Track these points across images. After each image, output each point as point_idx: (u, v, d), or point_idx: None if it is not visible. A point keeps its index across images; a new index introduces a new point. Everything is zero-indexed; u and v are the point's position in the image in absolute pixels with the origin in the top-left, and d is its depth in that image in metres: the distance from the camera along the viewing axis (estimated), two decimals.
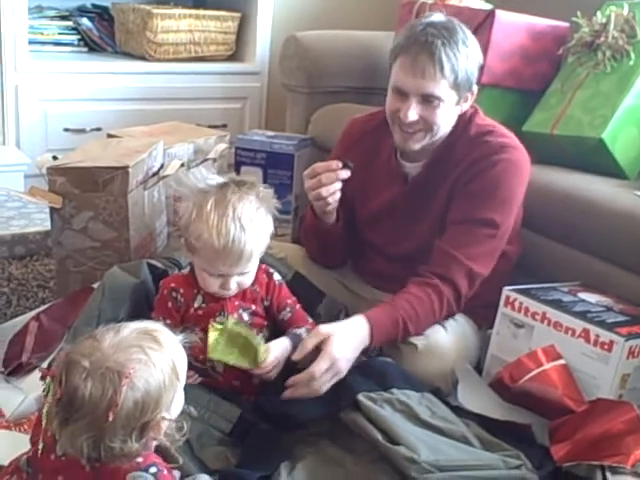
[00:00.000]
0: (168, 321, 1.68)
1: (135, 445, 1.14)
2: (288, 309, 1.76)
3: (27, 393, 1.72)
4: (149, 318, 1.75)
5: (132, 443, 1.14)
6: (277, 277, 1.78)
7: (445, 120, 1.85)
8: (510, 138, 1.91)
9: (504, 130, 1.93)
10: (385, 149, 2.00)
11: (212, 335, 1.64)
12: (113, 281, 1.84)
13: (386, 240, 2.00)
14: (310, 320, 1.78)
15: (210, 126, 3.08)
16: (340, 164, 1.85)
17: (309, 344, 1.65)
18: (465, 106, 1.89)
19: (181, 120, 2.88)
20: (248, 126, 3.46)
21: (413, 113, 1.81)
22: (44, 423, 1.18)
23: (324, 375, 1.63)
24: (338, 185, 1.85)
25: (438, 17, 1.86)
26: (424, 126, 1.84)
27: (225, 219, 1.60)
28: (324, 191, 1.85)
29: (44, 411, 1.18)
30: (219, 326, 1.65)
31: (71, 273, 2.14)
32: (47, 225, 2.39)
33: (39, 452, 1.23)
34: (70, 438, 1.14)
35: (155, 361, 1.17)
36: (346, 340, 1.67)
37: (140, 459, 1.17)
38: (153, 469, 1.16)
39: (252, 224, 1.62)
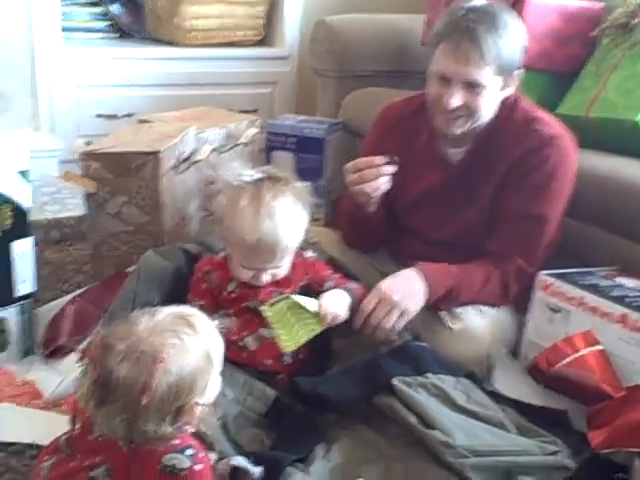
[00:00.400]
0: (203, 302, 1.70)
1: (169, 429, 1.15)
2: (330, 279, 1.77)
3: (65, 375, 1.74)
4: (183, 302, 1.76)
5: (165, 427, 1.15)
6: (310, 254, 1.80)
7: (488, 106, 1.83)
8: (559, 126, 1.89)
9: (549, 116, 1.91)
10: (423, 134, 1.97)
11: (278, 332, 1.62)
12: (148, 265, 1.86)
13: (426, 225, 1.98)
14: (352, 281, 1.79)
15: (241, 111, 3.07)
16: (384, 159, 1.82)
17: (370, 302, 1.69)
18: (509, 90, 1.86)
19: (212, 105, 2.88)
20: (278, 111, 3.45)
21: (456, 99, 1.79)
22: (81, 404, 1.19)
23: (377, 311, 1.68)
24: (382, 180, 1.83)
25: (479, 1, 1.82)
26: (466, 112, 1.82)
27: (259, 216, 1.61)
28: (367, 187, 1.83)
29: (81, 392, 1.19)
30: (274, 319, 1.63)
31: (106, 257, 2.16)
32: (81, 210, 2.40)
33: (78, 433, 1.25)
34: (105, 419, 1.15)
35: (189, 346, 1.18)
36: (395, 278, 1.74)
37: (177, 441, 1.18)
38: (189, 451, 1.17)
39: (287, 221, 1.63)
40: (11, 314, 1.89)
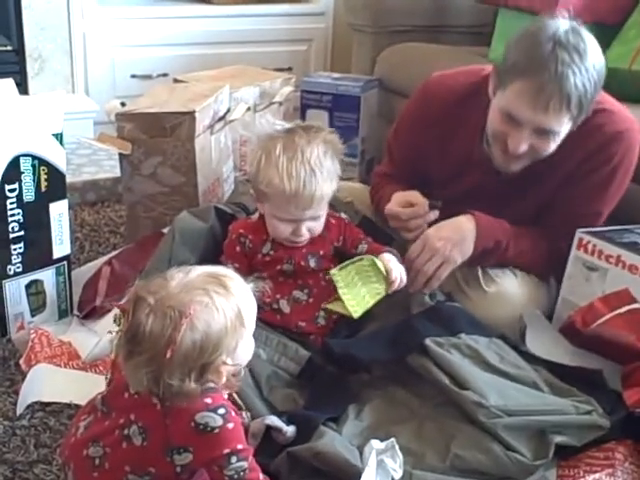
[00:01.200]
0: (237, 265, 1.70)
1: (192, 385, 1.16)
2: (364, 242, 1.76)
3: (101, 335, 1.76)
4: (218, 262, 1.77)
5: (190, 383, 1.16)
6: (344, 215, 1.80)
7: (555, 145, 1.68)
8: (624, 117, 1.76)
9: (613, 104, 1.77)
10: (469, 128, 1.81)
11: (345, 297, 1.61)
12: (183, 226, 1.86)
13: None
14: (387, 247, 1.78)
15: (275, 69, 3.05)
16: (427, 206, 1.74)
17: (415, 248, 1.70)
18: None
19: (246, 64, 2.86)
20: (313, 68, 3.42)
21: (525, 145, 1.65)
22: (113, 356, 1.21)
23: (421, 257, 1.70)
24: (425, 226, 1.76)
25: (564, 25, 1.60)
26: (532, 154, 1.69)
27: (295, 162, 1.60)
28: (411, 235, 1.77)
29: (114, 344, 1.22)
30: (342, 283, 1.61)
31: (141, 218, 2.17)
32: (117, 172, 2.42)
33: (113, 391, 1.27)
34: (133, 371, 1.17)
35: (219, 305, 1.19)
36: (444, 225, 1.72)
37: (209, 400, 1.19)
38: (222, 410, 1.19)
39: (321, 167, 1.62)
40: (48, 276, 1.92)
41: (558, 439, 1.43)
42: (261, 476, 1.23)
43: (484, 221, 1.75)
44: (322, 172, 1.61)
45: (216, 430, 1.17)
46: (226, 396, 1.26)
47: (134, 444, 1.20)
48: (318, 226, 1.70)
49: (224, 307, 1.19)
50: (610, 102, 1.77)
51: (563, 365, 1.64)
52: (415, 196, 1.77)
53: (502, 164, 1.74)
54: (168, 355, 1.13)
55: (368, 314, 1.78)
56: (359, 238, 1.77)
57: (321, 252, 1.72)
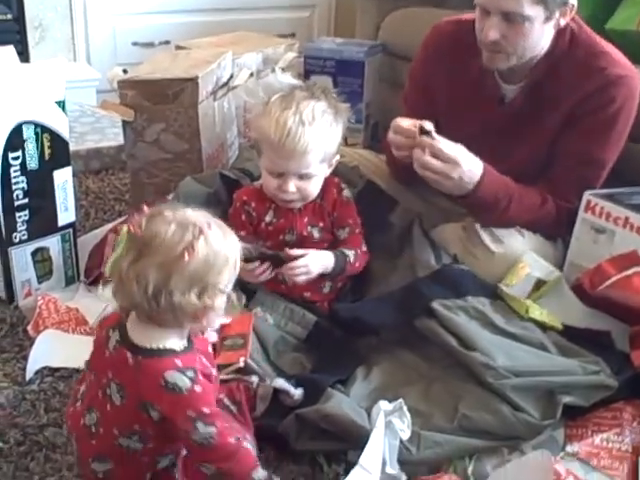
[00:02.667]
0: (242, 233, 1.70)
1: (193, 300, 1.16)
2: (347, 229, 1.73)
3: (108, 301, 1.76)
4: None
5: (190, 297, 1.16)
6: (347, 194, 1.75)
7: (531, 40, 1.69)
8: (625, 64, 1.76)
9: (615, 51, 1.78)
10: (475, 65, 1.82)
11: None
12: (187, 191, 1.86)
13: None
14: (364, 248, 1.75)
15: (278, 36, 3.02)
16: (419, 126, 1.68)
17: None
18: (562, 21, 1.71)
19: (249, 31, 2.84)
20: (317, 34, 3.39)
21: (494, 32, 1.67)
22: (107, 272, 1.21)
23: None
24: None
25: None
26: (507, 46, 1.69)
27: (286, 112, 1.60)
28: (399, 154, 1.73)
29: (110, 261, 1.20)
30: None
31: (145, 185, 2.16)
32: (120, 139, 2.41)
33: (95, 353, 1.28)
34: (138, 274, 1.15)
35: (228, 237, 1.21)
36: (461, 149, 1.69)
37: (179, 362, 1.18)
38: (190, 373, 1.18)
39: (313, 121, 1.60)
40: (53, 243, 1.92)
41: (566, 399, 1.44)
42: (232, 439, 1.20)
43: (490, 175, 1.73)
44: (312, 126, 1.59)
45: (183, 391, 1.16)
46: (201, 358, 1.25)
47: (115, 404, 1.21)
48: (309, 187, 1.66)
49: (231, 241, 1.21)
50: (613, 50, 1.79)
51: (571, 327, 1.64)
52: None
53: (488, 63, 1.76)
54: (186, 258, 1.14)
55: (374, 278, 1.79)
56: (347, 223, 1.74)
57: (321, 224, 1.72)
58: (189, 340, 1.25)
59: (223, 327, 1.45)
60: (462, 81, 1.86)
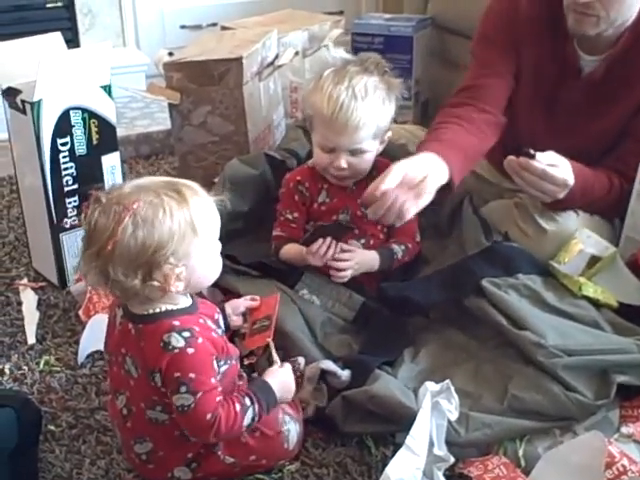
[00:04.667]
0: (296, 215, 1.69)
1: (136, 282, 1.16)
2: None
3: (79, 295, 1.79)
4: (270, 209, 1.77)
5: (133, 280, 1.15)
6: None
7: (626, 3, 1.61)
8: None
9: None
10: (553, 28, 1.73)
11: None
12: (233, 173, 1.86)
13: (540, 134, 1.76)
14: (418, 238, 1.73)
15: (326, 13, 2.99)
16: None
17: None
18: None
19: (297, 9, 2.81)
20: (365, 11, 3.34)
21: None
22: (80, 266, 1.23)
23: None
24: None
25: None
26: (600, 8, 1.60)
27: (339, 86, 1.59)
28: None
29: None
30: None
31: (193, 168, 2.17)
32: (169, 124, 2.42)
33: (108, 336, 1.31)
34: (86, 265, 1.19)
35: (167, 206, 1.17)
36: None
37: (177, 322, 1.18)
38: (186, 333, 1.18)
39: (365, 96, 1.59)
40: None
41: (620, 378, 1.39)
42: (208, 416, 1.17)
43: (577, 177, 1.64)
44: (365, 101, 1.58)
45: (176, 350, 1.16)
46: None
47: (134, 377, 1.23)
48: (361, 163, 1.65)
49: (172, 209, 1.17)
50: None
51: (626, 304, 1.58)
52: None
53: (575, 27, 1.66)
54: (109, 247, 1.14)
55: (423, 258, 1.75)
56: None
57: None
58: (193, 302, 1.25)
59: (252, 311, 1.44)
60: (541, 49, 1.77)
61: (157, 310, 1.21)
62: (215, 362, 1.20)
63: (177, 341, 1.16)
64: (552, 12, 1.73)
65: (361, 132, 1.60)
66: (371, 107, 1.59)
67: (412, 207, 1.50)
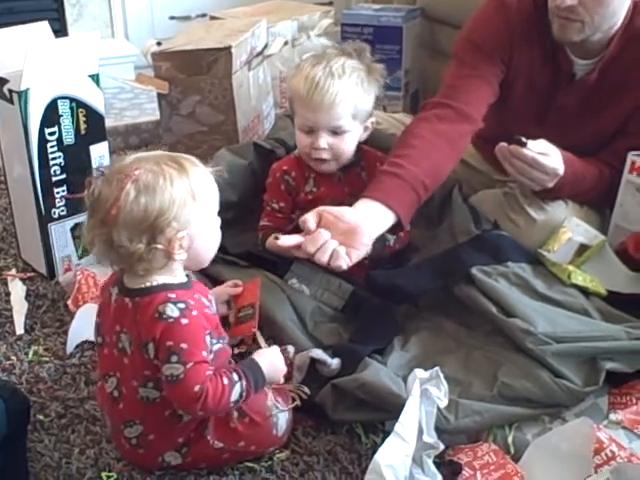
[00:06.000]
0: (282, 204, 1.69)
1: (140, 246, 1.18)
2: None
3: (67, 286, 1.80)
4: (258, 199, 1.76)
5: (137, 244, 1.18)
6: None
7: (611, 8, 1.61)
8: None
9: None
10: (545, 35, 1.72)
11: None
12: (221, 163, 1.84)
13: (532, 134, 1.66)
14: (407, 228, 1.70)
15: (316, 4, 2.98)
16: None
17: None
18: None
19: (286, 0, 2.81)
20: (354, 1, 3.34)
21: None
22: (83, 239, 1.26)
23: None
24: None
25: None
26: (584, 13, 1.60)
27: (317, 67, 1.62)
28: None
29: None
30: None
31: None
32: (158, 114, 2.41)
33: (102, 314, 1.32)
34: (90, 234, 1.21)
35: (167, 174, 1.20)
36: None
37: (173, 295, 1.20)
38: (182, 305, 1.19)
39: (343, 75, 1.60)
40: None
41: (609, 365, 1.40)
42: (196, 387, 1.17)
43: (568, 167, 1.65)
44: (341, 79, 1.60)
45: (170, 320, 1.18)
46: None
47: (128, 354, 1.24)
48: (341, 145, 1.64)
49: (172, 177, 1.20)
50: None
51: (615, 292, 1.59)
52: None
53: (560, 34, 1.66)
54: (113, 212, 1.17)
55: (412, 246, 1.75)
56: None
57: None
58: (189, 279, 1.27)
59: (235, 299, 1.44)
60: (531, 51, 1.76)
61: (154, 283, 1.23)
62: (208, 337, 1.21)
63: (172, 311, 1.18)
64: (542, 18, 1.71)
65: (338, 108, 1.60)
66: (347, 85, 1.60)
67: (345, 255, 1.46)
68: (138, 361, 1.22)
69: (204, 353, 1.19)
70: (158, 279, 1.23)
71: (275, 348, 1.34)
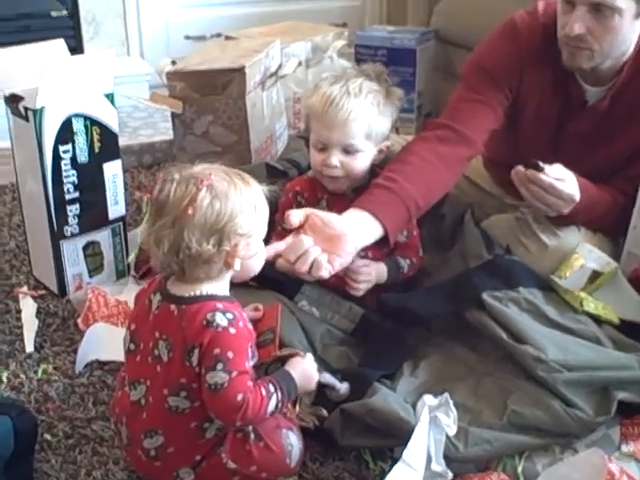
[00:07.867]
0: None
1: (209, 247, 1.21)
2: (405, 232, 1.68)
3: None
4: (271, 220, 1.75)
5: (207, 245, 1.21)
6: None
7: (620, 36, 1.60)
8: None
9: None
10: (555, 62, 1.71)
11: None
12: None
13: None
14: (420, 253, 1.71)
15: (330, 25, 2.99)
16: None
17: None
18: None
19: (301, 21, 2.82)
20: (368, 23, 3.35)
21: (580, 25, 1.58)
22: (140, 241, 1.29)
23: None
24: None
25: None
26: (593, 41, 1.60)
27: (334, 85, 1.63)
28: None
29: (139, 231, 1.28)
30: None
31: None
32: (172, 134, 2.42)
33: (136, 325, 1.32)
34: (157, 233, 1.23)
35: (237, 184, 1.25)
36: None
37: (221, 305, 1.23)
38: (230, 315, 1.22)
39: (359, 94, 1.61)
40: (104, 237, 1.93)
41: (621, 395, 1.38)
42: (239, 397, 1.18)
43: (583, 193, 1.63)
44: (357, 98, 1.60)
45: (219, 328, 1.20)
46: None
47: (163, 361, 1.24)
48: (354, 164, 1.63)
49: (242, 188, 1.25)
50: None
51: (628, 320, 1.57)
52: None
53: (569, 61, 1.66)
54: (190, 212, 1.20)
55: (424, 271, 1.74)
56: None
57: None
58: (232, 294, 1.30)
59: (255, 323, 1.44)
60: (539, 77, 1.76)
61: (203, 292, 1.26)
62: (250, 349, 1.24)
63: (221, 320, 1.21)
64: (552, 45, 1.71)
65: (352, 126, 1.60)
66: (363, 104, 1.60)
67: (326, 263, 1.44)
68: (175, 368, 1.23)
69: (247, 364, 1.22)
70: (207, 288, 1.26)
71: (308, 357, 1.35)
